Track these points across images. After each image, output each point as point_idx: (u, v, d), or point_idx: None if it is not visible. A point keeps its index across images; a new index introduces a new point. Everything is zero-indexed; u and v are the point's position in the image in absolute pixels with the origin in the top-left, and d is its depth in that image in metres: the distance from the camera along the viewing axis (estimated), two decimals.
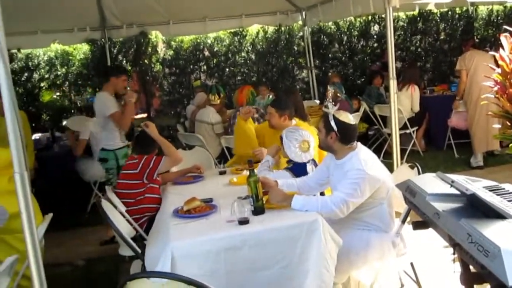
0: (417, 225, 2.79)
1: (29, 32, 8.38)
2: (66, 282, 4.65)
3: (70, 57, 10.27)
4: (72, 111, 10.04)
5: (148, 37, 9.91)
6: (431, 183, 2.71)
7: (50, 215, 3.65)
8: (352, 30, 10.71)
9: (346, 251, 3.16)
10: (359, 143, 3.42)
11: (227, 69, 10.51)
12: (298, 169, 3.86)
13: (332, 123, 3.30)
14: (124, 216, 3.88)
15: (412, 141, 7.84)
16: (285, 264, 2.86)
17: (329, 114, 3.35)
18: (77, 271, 5.01)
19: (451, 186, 2.51)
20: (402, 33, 10.69)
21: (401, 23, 10.68)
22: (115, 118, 5.51)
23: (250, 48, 10.50)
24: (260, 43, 10.51)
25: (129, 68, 10.30)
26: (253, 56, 10.54)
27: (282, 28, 10.31)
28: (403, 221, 3.38)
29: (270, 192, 3.25)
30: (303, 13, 9.58)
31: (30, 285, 3.40)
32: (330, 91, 7.47)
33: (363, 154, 3.30)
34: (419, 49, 10.92)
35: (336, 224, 3.26)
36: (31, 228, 2.15)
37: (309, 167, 3.90)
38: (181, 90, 10.44)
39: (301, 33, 10.35)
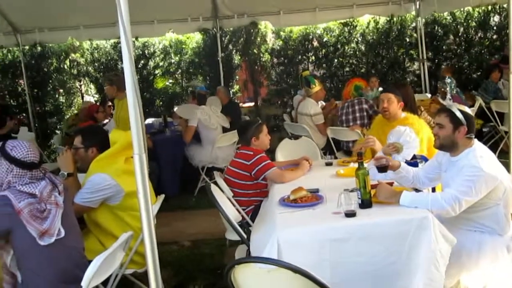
0: None
1: (146, 21, 8.83)
2: (173, 260, 4.85)
3: (183, 46, 10.67)
4: (183, 97, 10.44)
5: (258, 27, 10.03)
6: None
7: (162, 196, 3.83)
8: (470, 21, 10.12)
9: (457, 252, 3.02)
10: (475, 139, 3.24)
11: (336, 60, 10.40)
12: None
13: (461, 117, 3.15)
14: (231, 202, 3.97)
15: None
16: (392, 260, 2.79)
17: (452, 108, 3.20)
18: (183, 251, 5.21)
19: None
20: None
21: None
22: None
23: (360, 39, 10.31)
24: (371, 34, 10.28)
25: (238, 57, 10.51)
26: (362, 47, 10.34)
27: (394, 19, 10.00)
28: None
29: (378, 188, 3.18)
30: (417, 3, 9.27)
31: (141, 261, 3.61)
32: (441, 88, 7.19)
33: (480, 151, 3.13)
34: None
35: (447, 223, 3.12)
36: (147, 207, 2.25)
37: (420, 165, 3.76)
38: (288, 80, 10.49)
39: (413, 24, 9.99)
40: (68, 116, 9.74)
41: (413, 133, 4.00)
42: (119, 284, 3.28)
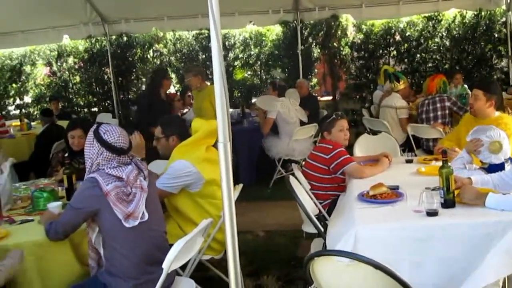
0: None
1: (227, 13, 8.93)
2: (248, 249, 4.89)
3: (263, 38, 10.73)
4: (261, 89, 10.52)
5: (339, 20, 9.92)
6: None
7: (241, 185, 3.88)
8: None
9: None
10: None
11: (418, 55, 10.12)
12: (494, 170, 3.58)
13: None
14: (308, 194, 3.96)
15: None
16: (476, 264, 2.66)
17: None
18: (258, 240, 5.27)
19: None
20: None
21: None
22: None
23: (444, 34, 9.97)
24: (456, 29, 9.91)
25: (318, 50, 10.45)
26: (447, 42, 10.00)
27: (482, 13, 9.58)
28: None
29: (462, 189, 3.05)
30: None
31: (218, 247, 3.70)
32: None
33: None
34: None
35: None
36: (230, 196, 2.28)
37: (508, 167, 3.58)
38: (368, 75, 10.32)
39: (503, 19, 9.53)
40: None
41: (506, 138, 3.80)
42: (195, 269, 3.38)
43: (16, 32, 9.48)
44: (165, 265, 2.55)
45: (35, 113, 11.38)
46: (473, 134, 3.76)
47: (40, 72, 11.73)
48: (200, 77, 6.45)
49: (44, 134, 6.93)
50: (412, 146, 6.45)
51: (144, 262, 2.86)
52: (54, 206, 3.25)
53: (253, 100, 9.32)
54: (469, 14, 9.73)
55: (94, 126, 2.95)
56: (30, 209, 3.59)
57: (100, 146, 2.85)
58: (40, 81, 11.72)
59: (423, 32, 10.00)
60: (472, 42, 9.85)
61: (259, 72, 10.97)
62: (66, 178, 3.79)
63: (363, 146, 5.28)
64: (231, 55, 10.76)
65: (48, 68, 11.58)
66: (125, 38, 10.59)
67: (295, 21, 9.62)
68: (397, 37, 10.20)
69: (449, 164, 3.10)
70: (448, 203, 2.95)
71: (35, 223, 3.25)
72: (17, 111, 11.59)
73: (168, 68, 11.11)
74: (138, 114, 7.20)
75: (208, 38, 10.36)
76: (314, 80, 10.78)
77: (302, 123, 7.24)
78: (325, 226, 3.57)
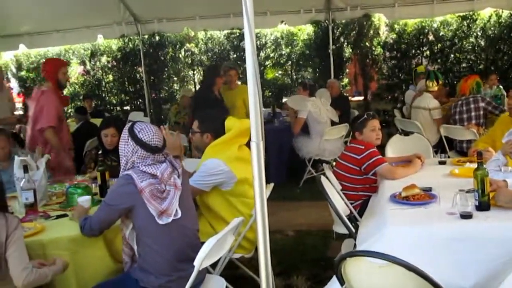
0: None
1: (259, 12, 8.91)
2: (277, 248, 4.88)
3: (295, 38, 10.72)
4: (292, 89, 10.51)
5: (371, 19, 9.84)
6: None
7: (272, 185, 3.88)
8: None
9: None
10: None
11: (452, 55, 9.97)
12: None
13: None
14: (339, 195, 3.95)
15: None
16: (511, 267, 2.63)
17: None
18: (288, 240, 5.27)
19: None
20: None
21: None
22: None
23: (479, 34, 9.79)
24: (492, 28, 9.72)
25: (350, 50, 10.39)
26: (482, 42, 9.82)
27: None
28: None
29: (498, 191, 3.00)
30: None
31: (248, 246, 3.71)
32: None
33: None
34: None
35: None
36: (262, 195, 2.28)
37: None
38: (400, 75, 10.21)
39: None
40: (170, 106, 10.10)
41: None
42: (225, 267, 3.39)
43: (52, 31, 9.66)
44: (196, 262, 2.56)
45: (69, 111, 11.59)
46: (509, 135, 3.70)
47: (74, 71, 11.95)
48: (238, 74, 6.53)
49: (78, 132, 7.05)
50: (445, 147, 6.36)
51: (176, 259, 2.88)
52: (84, 200, 3.30)
53: (284, 100, 9.29)
54: (505, 13, 9.54)
55: (129, 125, 2.97)
56: (65, 204, 3.66)
57: (135, 145, 2.88)
58: (74, 79, 11.93)
59: (457, 32, 9.85)
60: (508, 42, 9.67)
61: (290, 72, 10.96)
62: (99, 175, 3.85)
63: (395, 147, 5.23)
64: (262, 54, 10.78)
65: (82, 67, 11.79)
66: (157, 38, 10.71)
67: (326, 21, 9.55)
68: (431, 37, 10.08)
69: (484, 166, 3.05)
70: (483, 206, 2.90)
71: (69, 218, 3.31)
72: None
73: (199, 68, 11.21)
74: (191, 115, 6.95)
75: (239, 37, 10.40)
76: (345, 80, 10.72)
77: (333, 123, 7.21)
78: (356, 227, 3.55)
